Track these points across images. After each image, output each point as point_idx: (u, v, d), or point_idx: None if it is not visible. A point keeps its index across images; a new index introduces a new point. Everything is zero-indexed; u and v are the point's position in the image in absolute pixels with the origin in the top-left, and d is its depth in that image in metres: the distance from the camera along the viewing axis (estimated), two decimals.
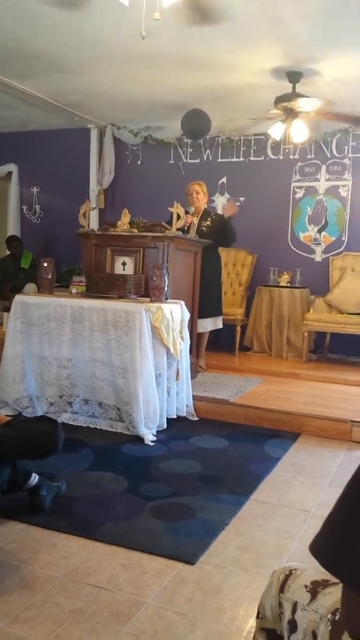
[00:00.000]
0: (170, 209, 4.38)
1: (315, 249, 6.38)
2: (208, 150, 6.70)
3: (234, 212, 5.11)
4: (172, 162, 6.85)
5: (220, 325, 5.30)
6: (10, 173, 7.53)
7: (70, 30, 4.17)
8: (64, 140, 7.16)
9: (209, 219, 5.08)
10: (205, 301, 4.95)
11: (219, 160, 6.68)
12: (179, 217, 4.33)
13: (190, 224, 4.92)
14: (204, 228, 5.02)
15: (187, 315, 4.22)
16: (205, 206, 5.17)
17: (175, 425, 4.00)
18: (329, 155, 6.25)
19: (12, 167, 7.50)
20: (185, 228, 4.82)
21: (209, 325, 5.16)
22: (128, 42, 4.29)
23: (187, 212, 4.78)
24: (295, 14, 3.74)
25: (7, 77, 5.32)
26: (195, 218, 5.02)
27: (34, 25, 4.12)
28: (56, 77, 5.27)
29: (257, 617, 1.24)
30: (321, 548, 0.84)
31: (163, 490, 2.91)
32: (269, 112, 5.34)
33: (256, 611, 1.27)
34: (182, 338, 4.08)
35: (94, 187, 7.06)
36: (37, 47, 4.53)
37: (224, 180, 6.65)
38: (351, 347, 6.10)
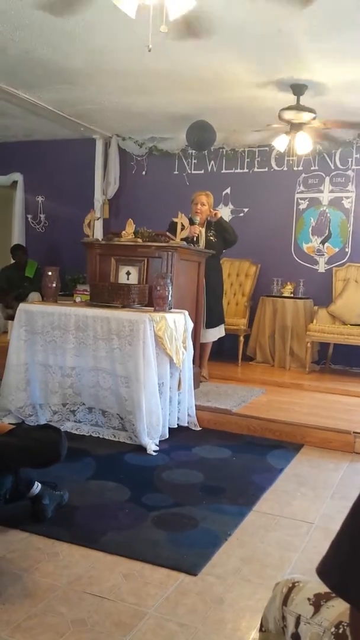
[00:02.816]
0: (175, 220, 4.41)
1: (318, 260, 6.39)
2: (212, 162, 6.74)
3: (217, 214, 5.15)
4: (176, 172, 6.89)
5: (223, 333, 5.34)
6: (15, 182, 7.58)
7: (77, 41, 4.22)
8: (69, 150, 7.22)
9: (212, 229, 5.13)
10: (212, 311, 4.99)
11: (223, 171, 6.72)
12: (183, 227, 4.35)
13: (198, 235, 4.96)
14: (211, 237, 5.07)
15: (191, 325, 4.23)
16: (208, 217, 5.20)
17: (178, 435, 4.00)
18: (332, 167, 6.28)
19: (18, 176, 7.55)
20: (195, 239, 4.88)
21: (215, 334, 5.19)
22: (134, 53, 4.33)
23: (192, 222, 4.82)
24: (299, 28, 3.78)
25: (13, 87, 5.37)
26: (202, 228, 5.07)
27: (41, 36, 4.16)
28: (62, 88, 5.32)
29: (260, 630, 1.24)
30: (328, 570, 0.83)
31: (165, 500, 2.90)
32: (273, 124, 5.38)
33: (259, 624, 1.27)
34: (185, 348, 4.08)
35: (98, 197, 7.10)
36: (44, 58, 4.58)
37: (228, 191, 6.68)
38: (354, 358, 6.10)
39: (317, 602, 1.10)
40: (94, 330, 3.91)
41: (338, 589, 0.81)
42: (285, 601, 1.15)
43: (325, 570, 0.83)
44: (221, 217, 5.24)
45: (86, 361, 3.94)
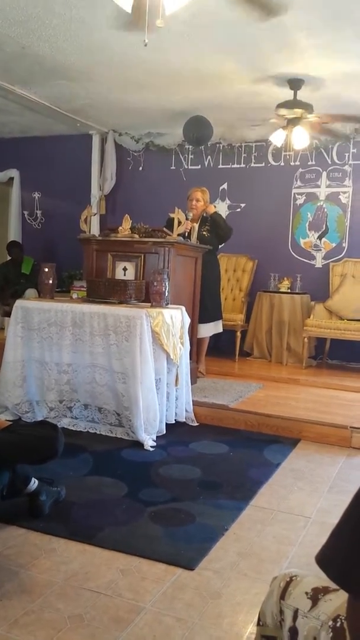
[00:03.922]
0: (172, 215, 4.40)
1: (315, 255, 6.39)
2: (209, 157, 6.73)
3: (209, 209, 5.13)
4: (173, 168, 6.88)
5: (220, 329, 5.32)
6: (11, 178, 7.56)
7: (73, 37, 4.20)
8: (65, 146, 7.20)
9: (207, 224, 5.12)
10: (206, 306, 4.97)
11: (220, 166, 6.71)
12: (179, 222, 4.34)
13: (190, 230, 4.94)
14: (204, 233, 5.06)
15: (188, 320, 4.23)
16: (204, 213, 5.20)
17: (175, 431, 4.00)
18: (329, 162, 6.27)
19: (14, 173, 7.53)
20: (186, 234, 4.86)
21: (210, 330, 5.17)
22: (130, 49, 4.31)
23: (186, 218, 4.81)
24: (297, 23, 3.77)
25: (9, 83, 5.35)
26: (195, 224, 5.06)
27: (37, 32, 4.14)
28: (58, 84, 5.30)
29: (258, 624, 1.24)
30: (329, 560, 0.83)
31: (162, 495, 2.90)
32: (270, 119, 5.36)
33: (256, 618, 1.27)
34: (182, 343, 4.08)
35: (95, 192, 7.08)
36: (40, 54, 4.56)
37: (224, 186, 6.67)
38: (351, 353, 6.10)
39: (315, 596, 1.10)
40: (91, 327, 3.90)
41: (338, 579, 0.81)
42: (283, 595, 1.15)
43: (325, 559, 0.83)
44: (215, 213, 5.20)
45: (83, 357, 3.93)
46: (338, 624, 1.03)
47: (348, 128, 5.97)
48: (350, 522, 0.83)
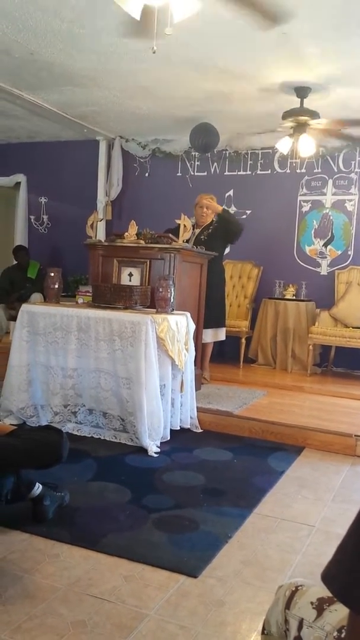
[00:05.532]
0: (177, 221, 4.41)
1: (321, 262, 6.39)
2: (215, 164, 6.74)
3: (219, 208, 5.17)
4: (179, 174, 6.90)
5: (221, 337, 5.29)
6: (18, 183, 7.60)
7: (81, 43, 4.22)
8: (72, 151, 7.23)
9: (211, 228, 5.11)
10: (206, 312, 4.95)
11: (226, 173, 6.72)
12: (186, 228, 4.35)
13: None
14: (202, 237, 5.05)
15: (193, 326, 4.22)
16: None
17: (179, 437, 3.99)
18: (335, 170, 6.28)
19: (21, 178, 7.57)
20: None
21: (208, 336, 5.14)
22: (138, 56, 4.34)
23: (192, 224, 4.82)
24: (303, 30, 3.78)
25: (17, 89, 5.38)
26: (197, 230, 5.07)
27: (45, 38, 4.17)
28: (66, 89, 5.33)
29: (263, 633, 1.24)
30: (333, 576, 0.82)
31: (166, 502, 2.90)
32: (276, 127, 5.38)
33: (261, 626, 1.26)
34: (187, 349, 4.08)
35: (101, 198, 7.11)
36: (48, 60, 4.59)
37: (230, 193, 6.68)
38: (356, 361, 6.09)
39: (320, 606, 1.09)
40: (96, 332, 3.91)
41: (342, 596, 0.80)
42: (288, 604, 1.15)
43: (329, 575, 0.82)
44: (223, 209, 5.20)
45: (88, 362, 3.94)
46: (343, 635, 1.02)
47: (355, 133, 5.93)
48: (354, 537, 0.83)
